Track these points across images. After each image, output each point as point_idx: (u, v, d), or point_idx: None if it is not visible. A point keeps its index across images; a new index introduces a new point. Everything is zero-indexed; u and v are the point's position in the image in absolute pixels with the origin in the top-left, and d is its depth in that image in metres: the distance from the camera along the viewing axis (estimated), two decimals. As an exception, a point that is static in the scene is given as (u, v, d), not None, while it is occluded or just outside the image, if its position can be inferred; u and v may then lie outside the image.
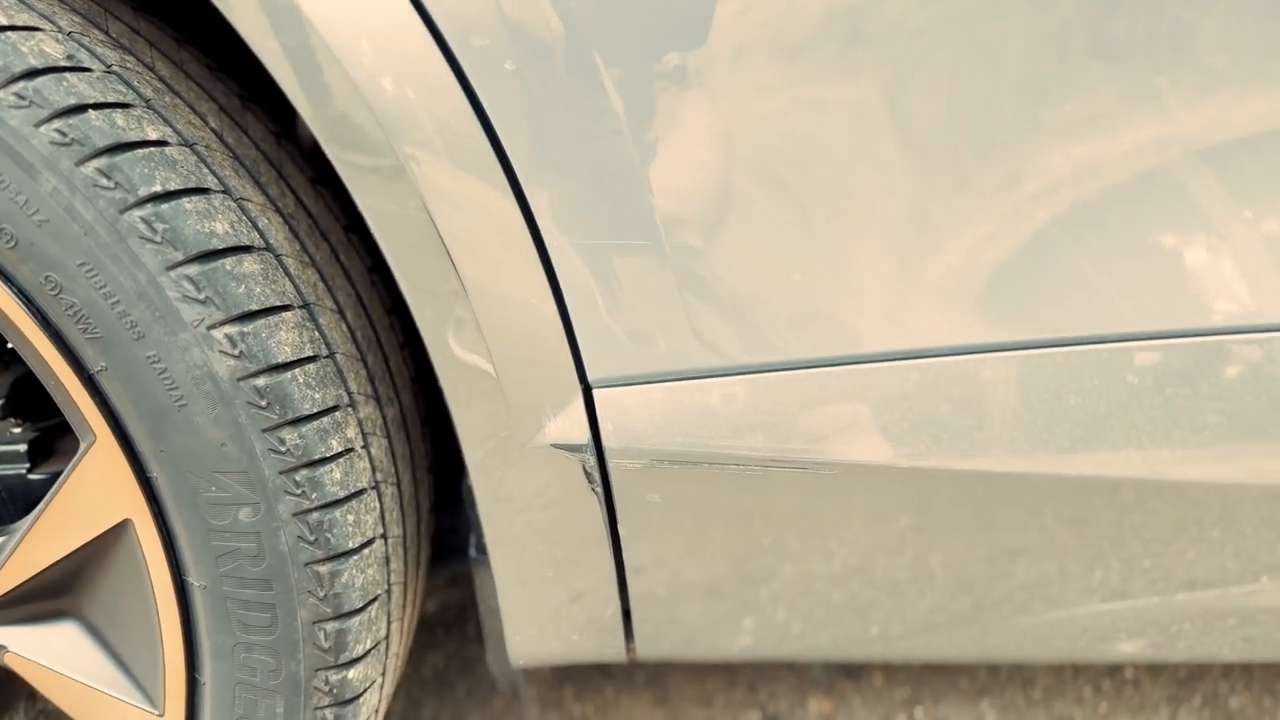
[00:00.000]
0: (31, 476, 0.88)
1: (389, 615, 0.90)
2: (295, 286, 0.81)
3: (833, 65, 0.72)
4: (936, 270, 0.78)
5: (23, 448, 0.88)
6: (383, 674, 0.91)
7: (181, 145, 0.79)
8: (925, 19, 0.71)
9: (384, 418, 0.90)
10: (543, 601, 0.89)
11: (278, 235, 0.83)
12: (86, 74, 0.75)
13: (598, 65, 0.71)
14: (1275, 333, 0.82)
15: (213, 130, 0.84)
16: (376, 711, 0.93)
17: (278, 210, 0.85)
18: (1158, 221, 0.79)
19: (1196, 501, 0.92)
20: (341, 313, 0.87)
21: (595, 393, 0.80)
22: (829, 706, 1.39)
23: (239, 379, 0.76)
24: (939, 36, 0.72)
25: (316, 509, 0.79)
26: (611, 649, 0.93)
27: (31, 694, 1.33)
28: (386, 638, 0.90)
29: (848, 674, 1.44)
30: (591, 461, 0.81)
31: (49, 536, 0.81)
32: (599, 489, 0.82)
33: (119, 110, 0.76)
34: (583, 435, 0.80)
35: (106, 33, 0.82)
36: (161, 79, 0.83)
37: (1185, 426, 0.84)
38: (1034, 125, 0.75)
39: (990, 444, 0.83)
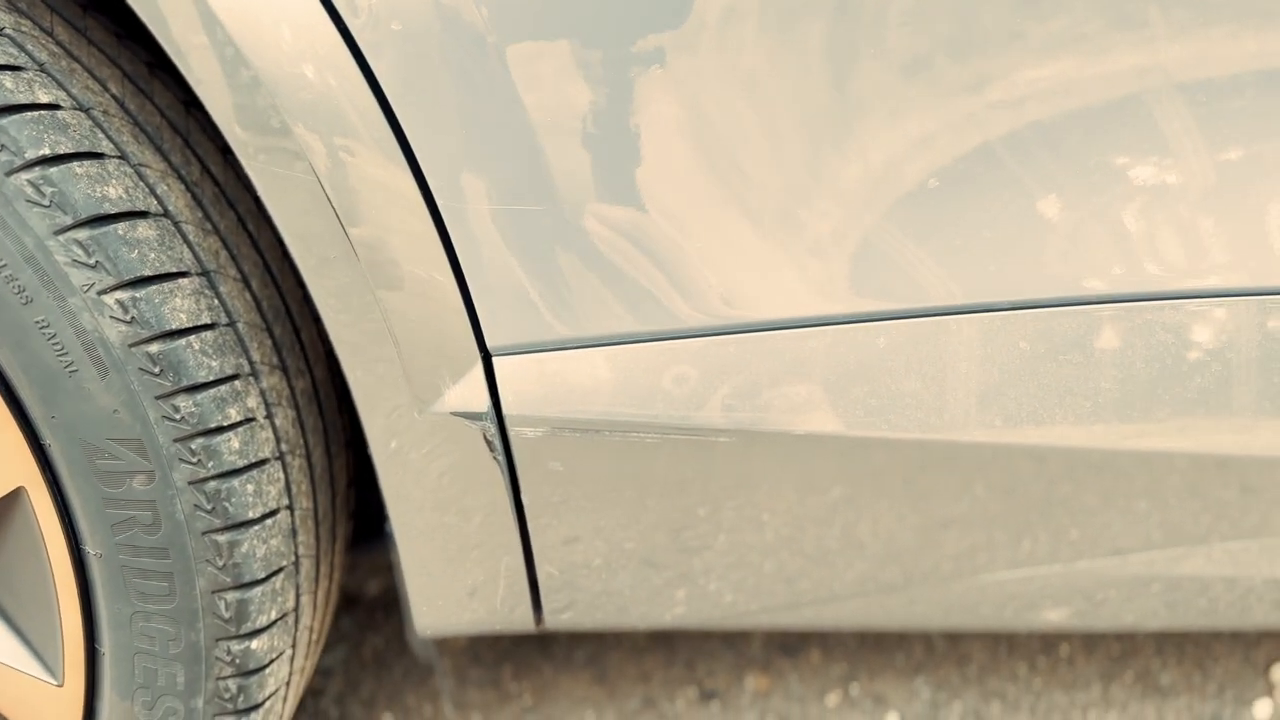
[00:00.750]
0: (-70, 447, 0.87)
1: (298, 587, 0.89)
2: (194, 253, 0.81)
3: (750, 26, 0.72)
4: (860, 232, 0.78)
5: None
6: (293, 646, 0.91)
7: (75, 109, 0.78)
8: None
9: (292, 389, 0.89)
10: (447, 573, 0.89)
11: (177, 202, 0.82)
12: (-27, 37, 0.74)
13: (485, 22, 0.71)
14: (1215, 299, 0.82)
15: (113, 96, 0.83)
16: (287, 684, 0.93)
17: (180, 177, 0.84)
18: (1104, 188, 0.79)
19: (1124, 472, 0.92)
20: (246, 281, 0.86)
21: (495, 360, 0.79)
22: (765, 683, 1.40)
23: (130, 345, 0.75)
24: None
25: (213, 478, 0.79)
26: (519, 619, 0.93)
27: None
28: (295, 609, 0.90)
29: (785, 651, 1.44)
30: (492, 430, 0.81)
31: (-58, 506, 0.80)
32: (500, 458, 0.82)
33: (8, 73, 0.75)
34: (482, 403, 0.80)
35: (1, -4, 0.81)
36: (60, 43, 0.82)
37: (1116, 395, 0.84)
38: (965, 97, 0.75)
39: (920, 411, 0.83)
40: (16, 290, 0.73)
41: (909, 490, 0.91)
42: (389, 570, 1.63)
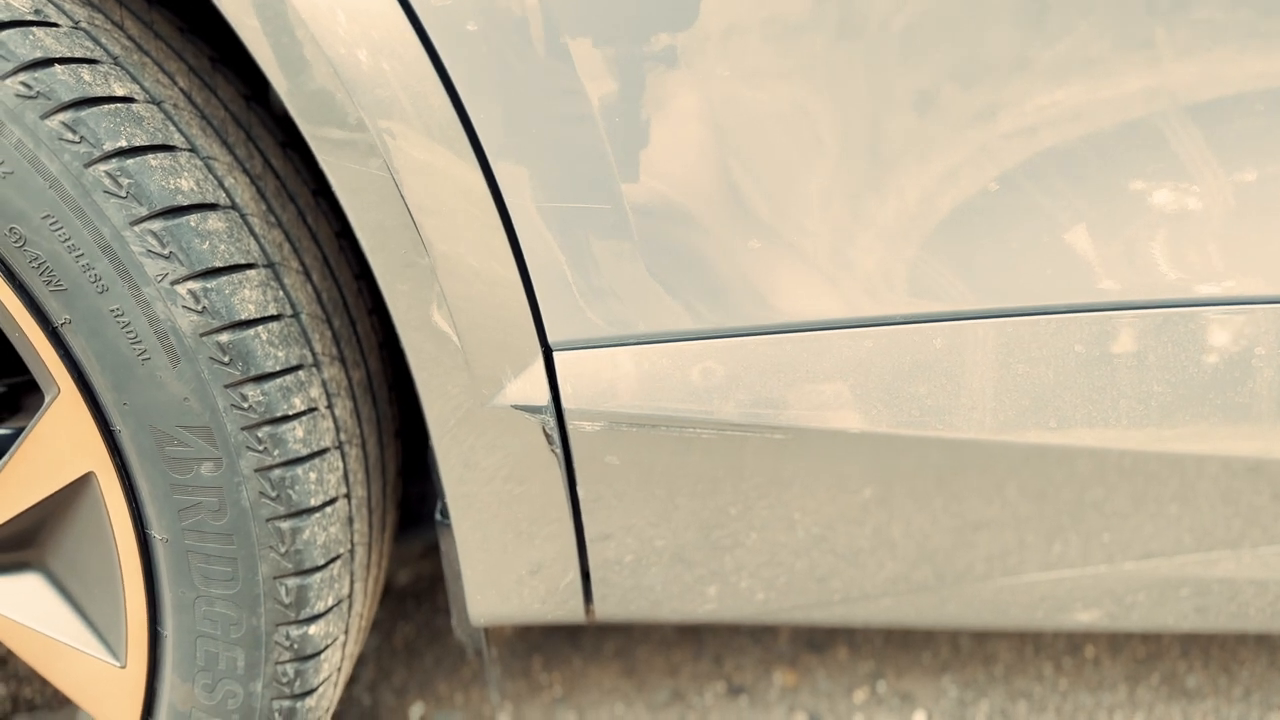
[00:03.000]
0: (-2, 431, 0.89)
1: (352, 574, 0.91)
2: (260, 246, 0.82)
3: (807, 39, 0.73)
4: (901, 238, 0.79)
5: (-12, 403, 0.88)
6: (345, 632, 0.93)
7: (148, 102, 0.79)
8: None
9: (349, 380, 0.90)
10: (503, 563, 0.90)
11: (244, 195, 0.83)
12: (53, 29, 0.76)
13: (559, 26, 0.72)
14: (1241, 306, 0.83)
15: (181, 90, 0.85)
16: (339, 669, 0.94)
17: (245, 171, 0.86)
18: (1131, 193, 0.80)
19: (1155, 475, 0.93)
20: (307, 274, 0.88)
21: (555, 355, 0.81)
22: (793, 678, 1.41)
23: (202, 334, 0.76)
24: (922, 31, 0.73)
25: (278, 465, 0.80)
26: (570, 610, 0.94)
27: (2, 657, 1.34)
28: (349, 596, 0.91)
29: (812, 647, 1.46)
30: (551, 423, 0.82)
31: (12, 489, 0.82)
32: (559, 451, 0.83)
33: (85, 65, 0.76)
34: (543, 397, 0.82)
35: (76, -11, 0.82)
36: (130, 37, 0.84)
37: (1147, 399, 0.85)
38: (1002, 103, 0.76)
39: (957, 412, 0.85)
40: (93, 279, 0.75)
41: (944, 491, 0.93)
42: (419, 560, 1.65)
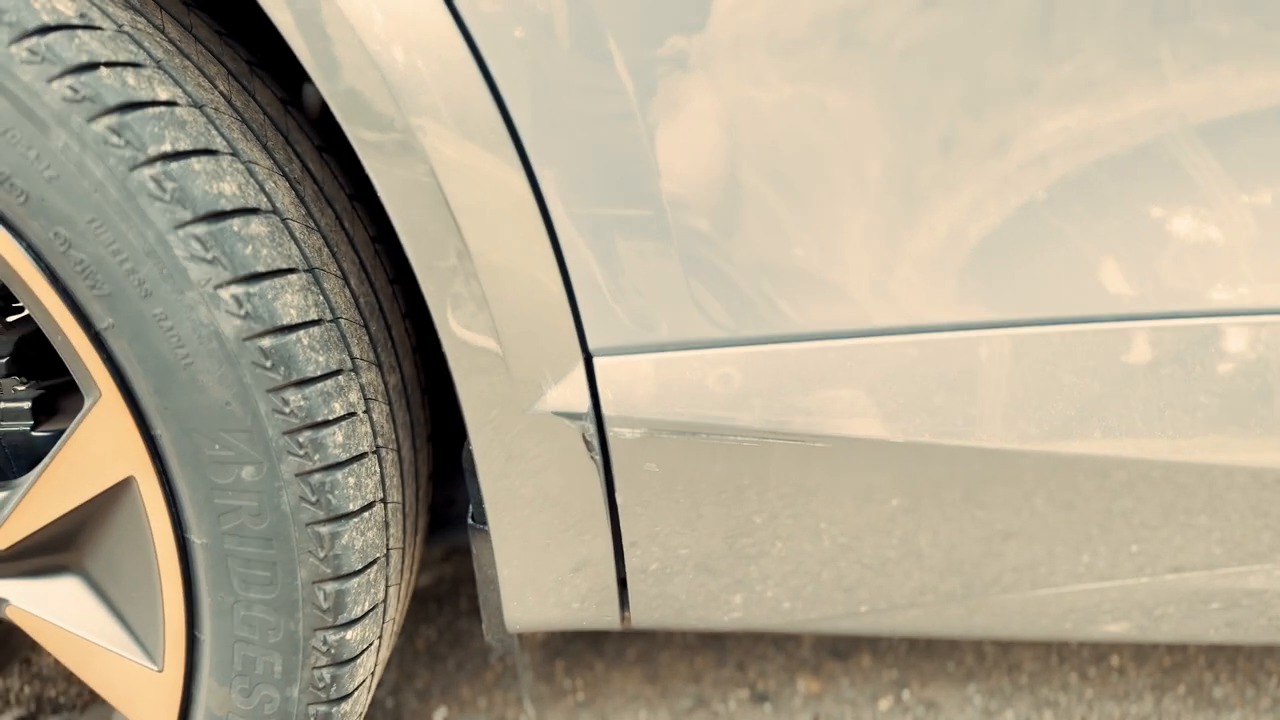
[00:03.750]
0: (34, 434, 0.89)
1: (387, 579, 0.91)
2: (301, 250, 0.82)
3: (831, 53, 0.73)
4: (933, 247, 0.79)
5: (26, 405, 0.88)
6: (379, 637, 0.92)
7: (191, 106, 0.79)
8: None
9: (385, 384, 0.90)
10: (540, 569, 0.90)
11: (284, 199, 0.83)
12: (98, 32, 0.76)
13: (607, 37, 0.72)
14: (1267, 316, 0.83)
15: (221, 93, 0.85)
16: (372, 674, 0.94)
17: (284, 175, 0.86)
18: (1153, 201, 0.80)
19: (1185, 487, 0.93)
20: (345, 279, 0.88)
21: (596, 361, 0.81)
22: (816, 686, 1.41)
23: (245, 339, 0.76)
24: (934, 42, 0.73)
25: (319, 470, 0.80)
26: (607, 617, 0.94)
27: (27, 657, 1.34)
28: (384, 602, 0.91)
29: (836, 654, 1.45)
30: (591, 430, 0.82)
31: (52, 492, 0.82)
32: (598, 457, 0.83)
33: (130, 69, 0.76)
34: (583, 403, 0.81)
35: (118, -7, 0.83)
36: (171, 41, 0.84)
37: (1177, 409, 0.85)
38: (1027, 109, 0.76)
39: (983, 421, 0.84)
40: (137, 283, 0.75)
41: (972, 501, 0.92)
42: (442, 562, 1.65)
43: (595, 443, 0.83)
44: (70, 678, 1.37)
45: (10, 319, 0.94)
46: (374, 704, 1.39)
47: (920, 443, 0.85)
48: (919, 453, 0.85)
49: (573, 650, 1.47)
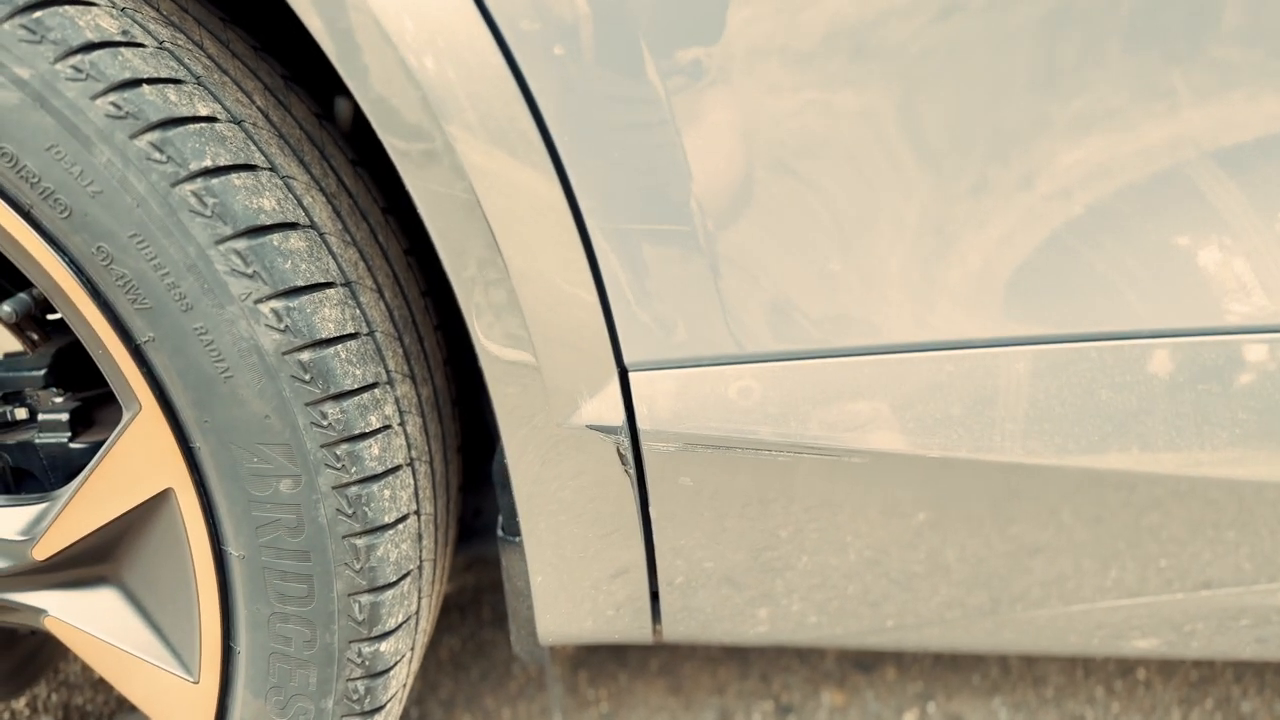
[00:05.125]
0: (72, 445, 0.89)
1: (420, 591, 0.91)
2: (338, 264, 0.83)
3: (856, 65, 0.73)
4: (959, 262, 0.79)
5: (65, 417, 0.89)
6: (412, 649, 0.93)
7: (230, 122, 0.80)
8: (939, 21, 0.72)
9: (419, 397, 0.91)
10: (573, 582, 0.90)
11: (321, 214, 0.84)
12: (140, 49, 0.77)
13: (644, 53, 0.72)
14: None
15: (259, 109, 0.86)
16: (405, 685, 0.94)
17: (321, 189, 0.86)
18: (1177, 219, 0.80)
19: (1213, 502, 0.92)
20: (380, 292, 0.88)
21: (631, 375, 0.81)
22: (841, 699, 1.40)
23: (284, 353, 0.77)
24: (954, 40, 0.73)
25: (355, 483, 0.81)
26: (639, 630, 0.94)
27: (56, 665, 1.35)
28: (417, 613, 0.91)
29: (861, 667, 1.45)
30: (625, 443, 0.82)
31: (91, 503, 0.82)
32: (632, 471, 0.83)
33: (171, 86, 0.77)
34: (618, 417, 0.82)
35: (158, 10, 0.83)
36: (210, 57, 0.85)
37: (1205, 424, 0.85)
38: (1048, 121, 0.76)
39: (1010, 436, 0.84)
40: (178, 297, 0.76)
41: (999, 516, 0.92)
42: (464, 572, 1.65)
43: (630, 456, 0.83)
44: (98, 686, 1.38)
45: (47, 331, 0.95)
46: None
47: (946, 457, 0.84)
48: (945, 467, 0.85)
49: (596, 661, 1.47)
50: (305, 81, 0.98)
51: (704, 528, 0.88)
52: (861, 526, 0.91)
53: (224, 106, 0.81)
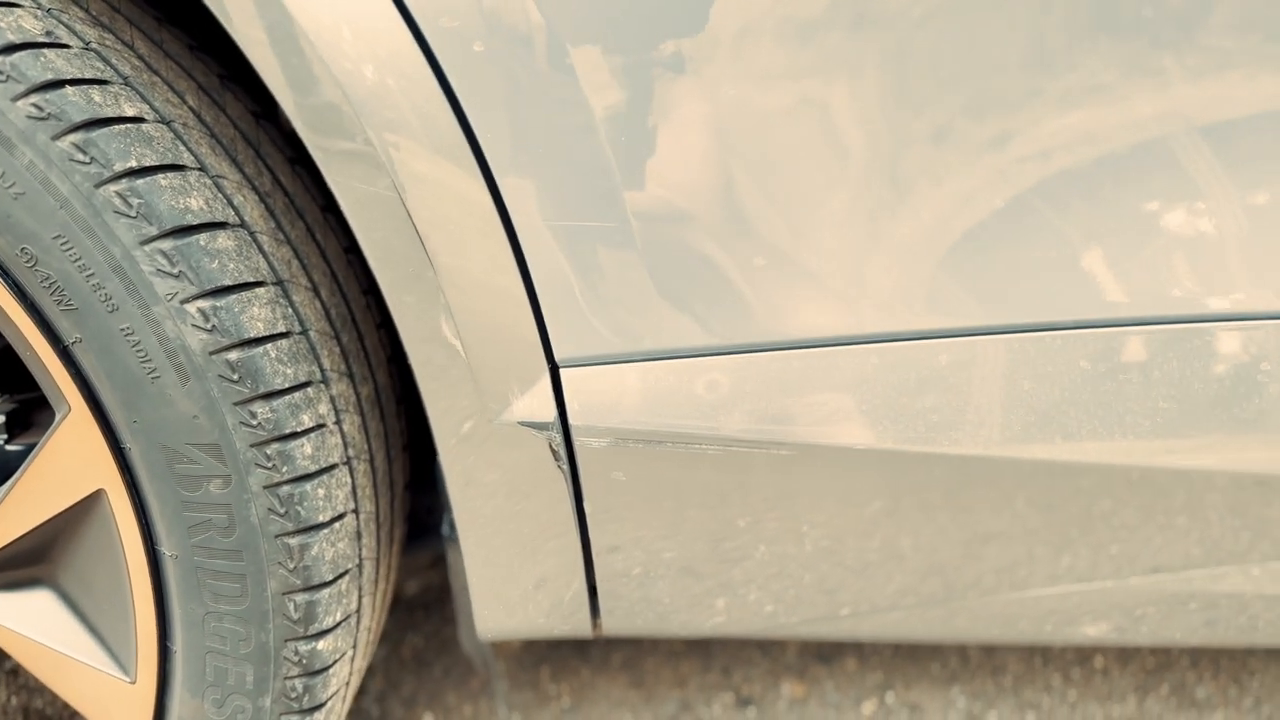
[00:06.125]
0: (8, 448, 0.89)
1: (360, 589, 0.91)
2: (269, 263, 0.83)
3: (817, 50, 0.74)
4: (909, 253, 0.80)
5: (0, 419, 0.89)
6: (354, 647, 0.93)
7: (158, 122, 0.80)
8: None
9: (358, 395, 0.91)
10: (510, 578, 0.90)
11: (253, 213, 0.84)
12: (64, 50, 0.77)
13: (567, 48, 0.73)
14: (1245, 321, 0.83)
15: (190, 108, 0.86)
16: (347, 684, 0.95)
17: (254, 188, 0.86)
18: (1143, 204, 0.80)
19: (1163, 489, 0.93)
20: (316, 290, 0.88)
21: (562, 372, 0.81)
22: (801, 690, 1.41)
23: (211, 352, 0.77)
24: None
25: (287, 482, 0.81)
26: (577, 625, 0.94)
27: (14, 669, 1.35)
28: (358, 611, 0.91)
29: (821, 658, 1.46)
30: (558, 439, 0.83)
31: (23, 505, 0.82)
32: (565, 467, 0.84)
33: (96, 86, 0.77)
34: (549, 413, 0.82)
35: (87, 10, 0.83)
36: (140, 57, 0.85)
37: (1155, 413, 0.85)
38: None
39: (961, 428, 0.85)
40: (103, 298, 0.76)
41: (950, 505, 0.93)
42: (427, 570, 1.65)
43: (562, 452, 0.83)
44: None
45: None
46: (360, 712, 1.40)
47: (899, 450, 0.85)
48: (898, 457, 0.85)
49: (558, 656, 1.47)
50: (245, 80, 0.97)
51: (639, 522, 0.88)
52: (818, 518, 0.91)
53: (152, 107, 0.80)
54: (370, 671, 1.46)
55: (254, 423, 0.79)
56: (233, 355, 0.78)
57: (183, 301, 0.76)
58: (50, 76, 0.74)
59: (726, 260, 0.79)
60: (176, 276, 0.76)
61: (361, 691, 1.43)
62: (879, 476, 0.88)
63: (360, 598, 0.92)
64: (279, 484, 0.80)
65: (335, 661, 0.89)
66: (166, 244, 0.76)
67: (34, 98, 0.73)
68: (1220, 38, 0.75)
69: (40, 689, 1.35)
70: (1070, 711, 1.36)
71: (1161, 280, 0.82)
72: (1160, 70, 0.76)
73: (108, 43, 0.82)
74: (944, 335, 0.82)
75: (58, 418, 0.79)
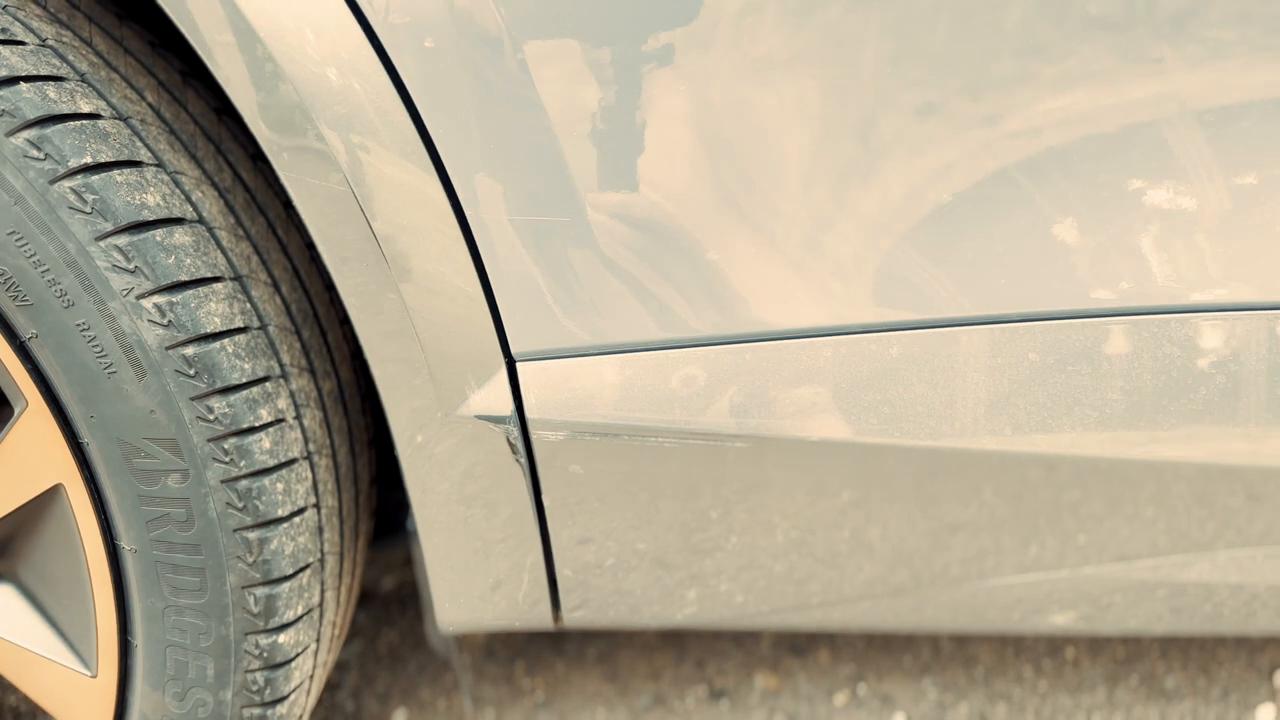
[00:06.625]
0: (-31, 444, 0.89)
1: (323, 583, 0.92)
2: (227, 259, 0.83)
3: (786, 39, 0.74)
4: (881, 243, 0.80)
5: (-40, 415, 0.89)
6: (317, 640, 0.93)
7: (115, 119, 0.80)
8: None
9: (319, 390, 0.91)
10: (469, 570, 0.91)
11: (211, 209, 0.84)
12: (19, 47, 0.77)
13: (520, 43, 0.73)
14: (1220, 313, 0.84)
15: (149, 105, 0.86)
16: (311, 677, 0.95)
17: (213, 184, 0.87)
18: (1127, 189, 0.81)
19: (1130, 479, 0.94)
20: (276, 286, 0.89)
21: (518, 365, 0.82)
22: (774, 682, 1.42)
23: (167, 347, 0.77)
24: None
25: (245, 476, 0.81)
26: (537, 617, 0.95)
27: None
28: (320, 605, 0.92)
29: (794, 650, 1.46)
30: (515, 433, 0.83)
31: (-18, 501, 0.83)
32: (523, 460, 0.84)
33: (51, 83, 0.77)
34: (506, 407, 0.82)
35: (44, 7, 0.83)
36: (98, 53, 0.85)
37: (1128, 404, 0.86)
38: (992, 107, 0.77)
39: (932, 419, 0.85)
40: (59, 294, 0.76)
41: (919, 495, 0.93)
42: (403, 566, 1.66)
43: (520, 446, 0.84)
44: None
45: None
46: (334, 707, 1.40)
47: (868, 443, 0.85)
48: (866, 450, 0.86)
49: (533, 650, 1.48)
50: (207, 76, 0.98)
51: (602, 515, 0.89)
52: (774, 511, 0.92)
53: (109, 103, 0.81)
54: (345, 666, 1.46)
55: (211, 417, 0.79)
56: (189, 350, 0.78)
57: (139, 297, 0.76)
58: (4, 73, 0.74)
59: (684, 252, 0.79)
60: (132, 272, 0.76)
61: (336, 686, 1.43)
62: (849, 468, 0.89)
63: (323, 592, 0.92)
64: (237, 478, 0.81)
65: (297, 655, 0.90)
66: (122, 239, 0.76)
67: (-13, 94, 0.73)
68: (1210, 29, 0.76)
69: (13, 685, 1.35)
70: (1041, 702, 1.37)
71: (1139, 271, 0.82)
72: (1153, 60, 0.76)
73: (65, 39, 0.82)
74: (913, 327, 0.82)
75: (15, 413, 0.80)
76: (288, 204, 0.98)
